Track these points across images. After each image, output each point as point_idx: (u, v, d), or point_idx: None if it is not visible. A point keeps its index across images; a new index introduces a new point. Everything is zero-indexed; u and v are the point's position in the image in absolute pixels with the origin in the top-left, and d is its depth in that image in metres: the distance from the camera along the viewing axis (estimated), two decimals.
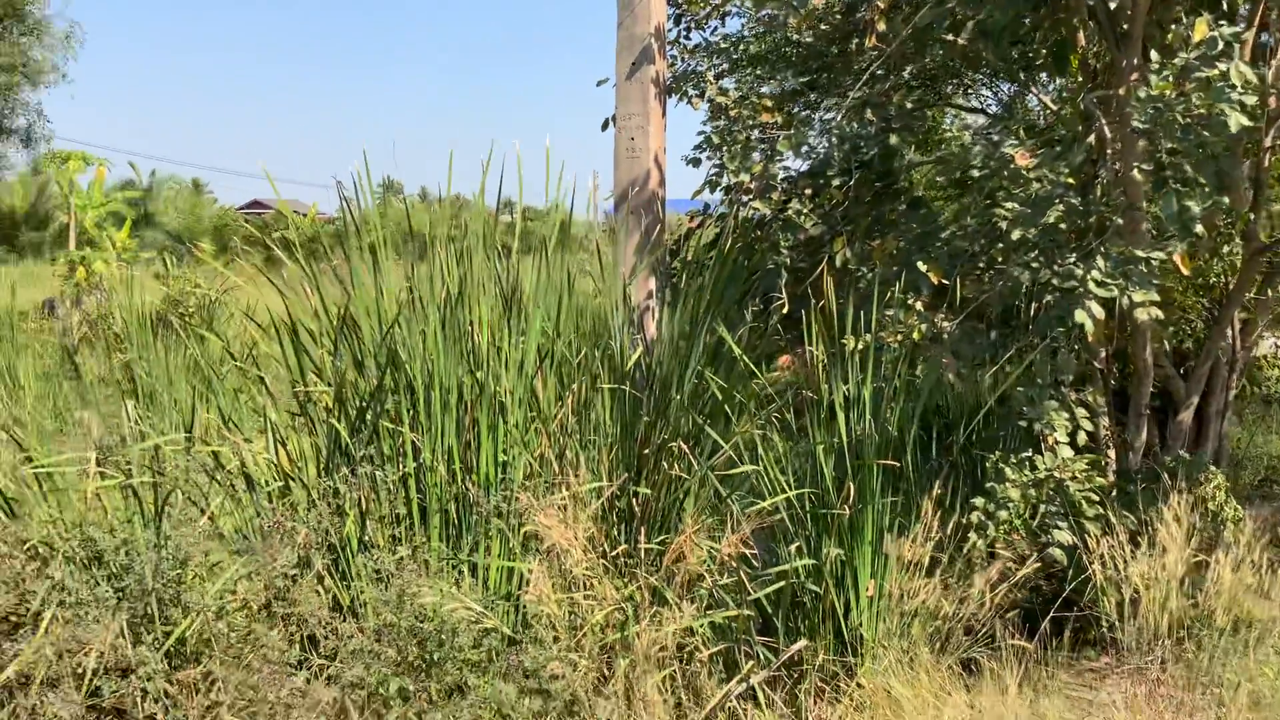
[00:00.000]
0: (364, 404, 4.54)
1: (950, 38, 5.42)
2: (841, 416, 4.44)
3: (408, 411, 4.52)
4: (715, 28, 6.80)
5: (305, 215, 24.53)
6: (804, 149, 5.89)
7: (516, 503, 4.07)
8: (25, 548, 4.17)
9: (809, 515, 4.41)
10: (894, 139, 5.32)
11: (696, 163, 6.11)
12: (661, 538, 4.31)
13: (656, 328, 5.79)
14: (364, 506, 4.33)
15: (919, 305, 4.52)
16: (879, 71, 5.38)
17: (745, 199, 5.72)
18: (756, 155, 5.60)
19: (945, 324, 4.64)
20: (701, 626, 4.07)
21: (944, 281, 4.82)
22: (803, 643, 4.20)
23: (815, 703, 4.08)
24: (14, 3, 12.51)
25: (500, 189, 6.28)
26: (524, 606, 3.86)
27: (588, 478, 4.21)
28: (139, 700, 3.76)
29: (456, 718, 3.49)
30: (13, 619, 3.98)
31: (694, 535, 3.99)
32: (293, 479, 4.44)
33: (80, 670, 3.73)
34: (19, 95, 13.41)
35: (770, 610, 4.30)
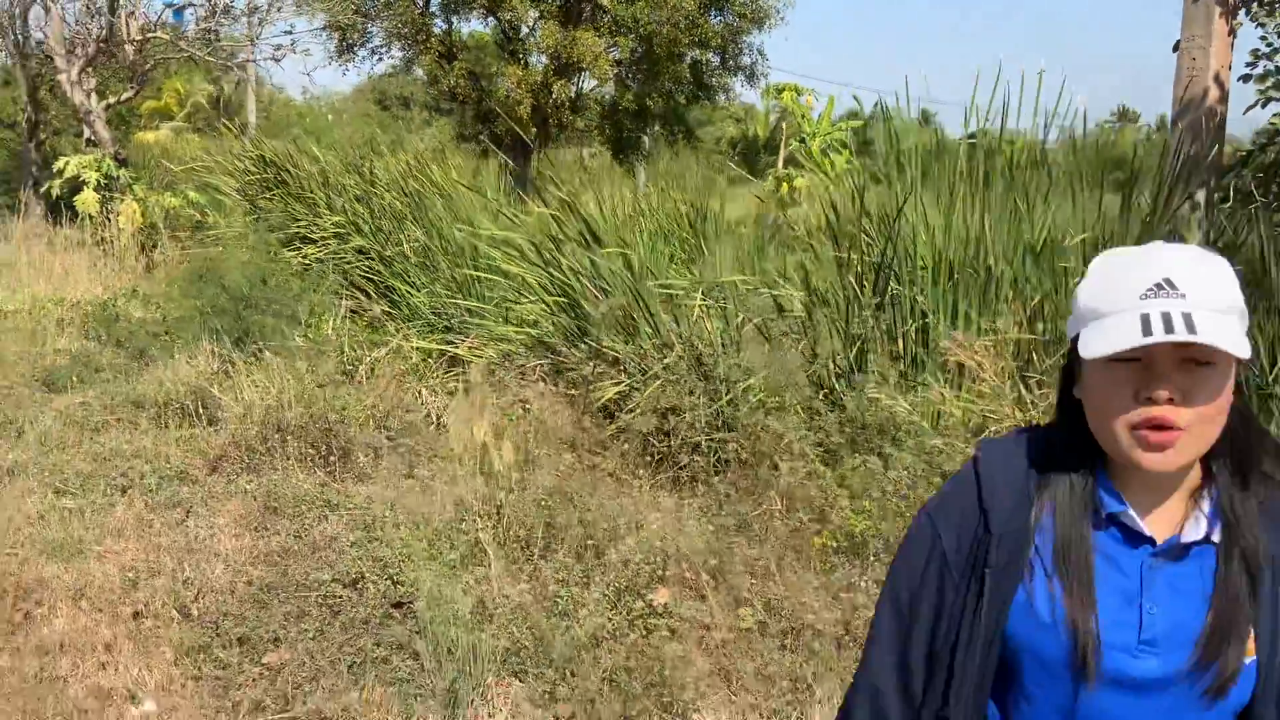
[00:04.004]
0: (877, 270, 6.44)
1: None
2: None
3: (909, 280, 6.33)
4: None
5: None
6: None
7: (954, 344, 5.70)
8: (653, 343, 6.85)
9: None
10: None
11: (1247, 79, 6.78)
12: None
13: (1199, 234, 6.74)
14: (864, 343, 6.27)
15: None
16: None
17: None
18: None
19: None
20: None
21: None
22: None
23: None
24: None
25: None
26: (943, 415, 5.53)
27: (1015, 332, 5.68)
28: (699, 441, 6.18)
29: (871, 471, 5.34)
30: (637, 387, 6.65)
31: None
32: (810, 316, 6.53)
33: (665, 415, 6.26)
34: (747, 38, 17.10)
35: None
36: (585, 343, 7.35)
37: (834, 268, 6.80)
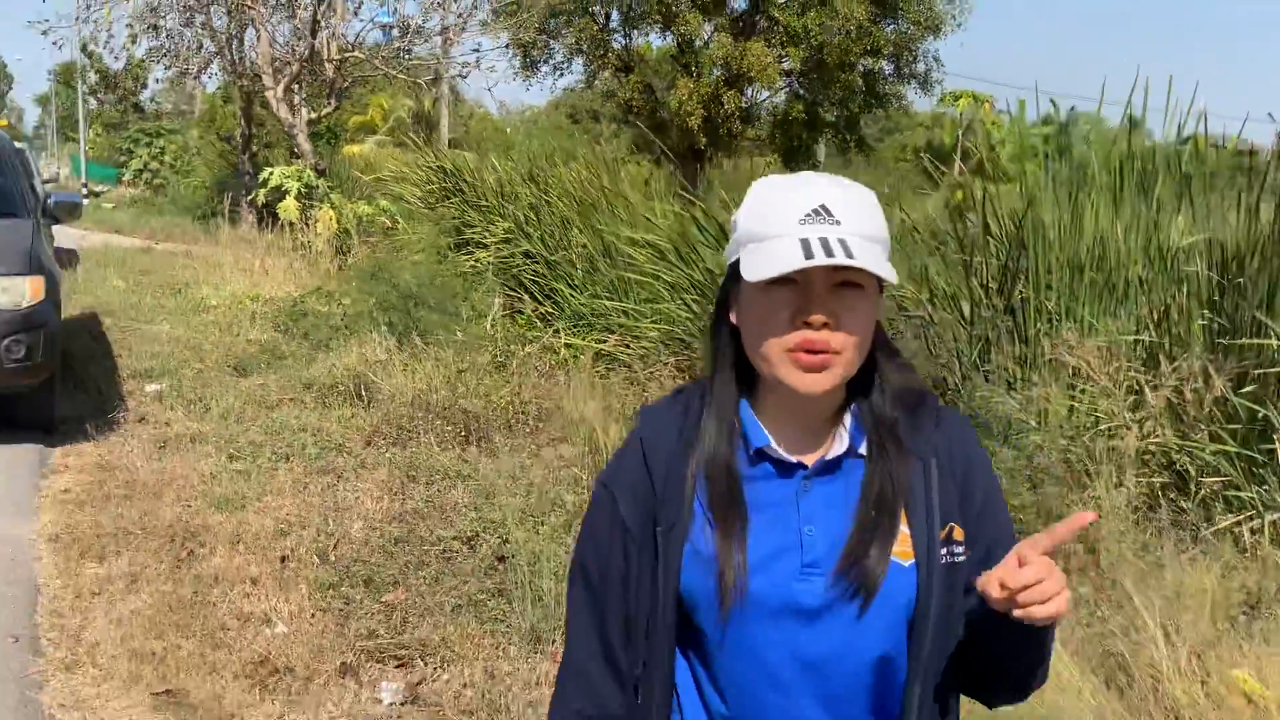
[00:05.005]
0: (1003, 272, 6.63)
1: None
2: None
3: (1037, 283, 6.52)
4: None
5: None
6: None
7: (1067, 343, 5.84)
8: None
9: None
10: None
11: None
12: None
13: None
14: (987, 343, 6.48)
15: None
16: None
17: None
18: None
19: None
20: (1212, 454, 5.38)
21: None
22: None
23: None
24: None
25: None
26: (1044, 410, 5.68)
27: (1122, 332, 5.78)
28: None
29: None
30: None
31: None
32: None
33: None
34: (922, 45, 17.13)
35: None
36: None
37: (961, 270, 7.00)
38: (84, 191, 31.00)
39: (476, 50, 17.17)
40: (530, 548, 4.60)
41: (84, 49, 30.65)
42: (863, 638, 1.38)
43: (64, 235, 14.64)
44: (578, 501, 5.08)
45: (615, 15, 18.04)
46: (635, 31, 18.22)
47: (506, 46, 17.32)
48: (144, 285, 13.22)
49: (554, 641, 3.99)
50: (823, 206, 1.32)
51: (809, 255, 1.28)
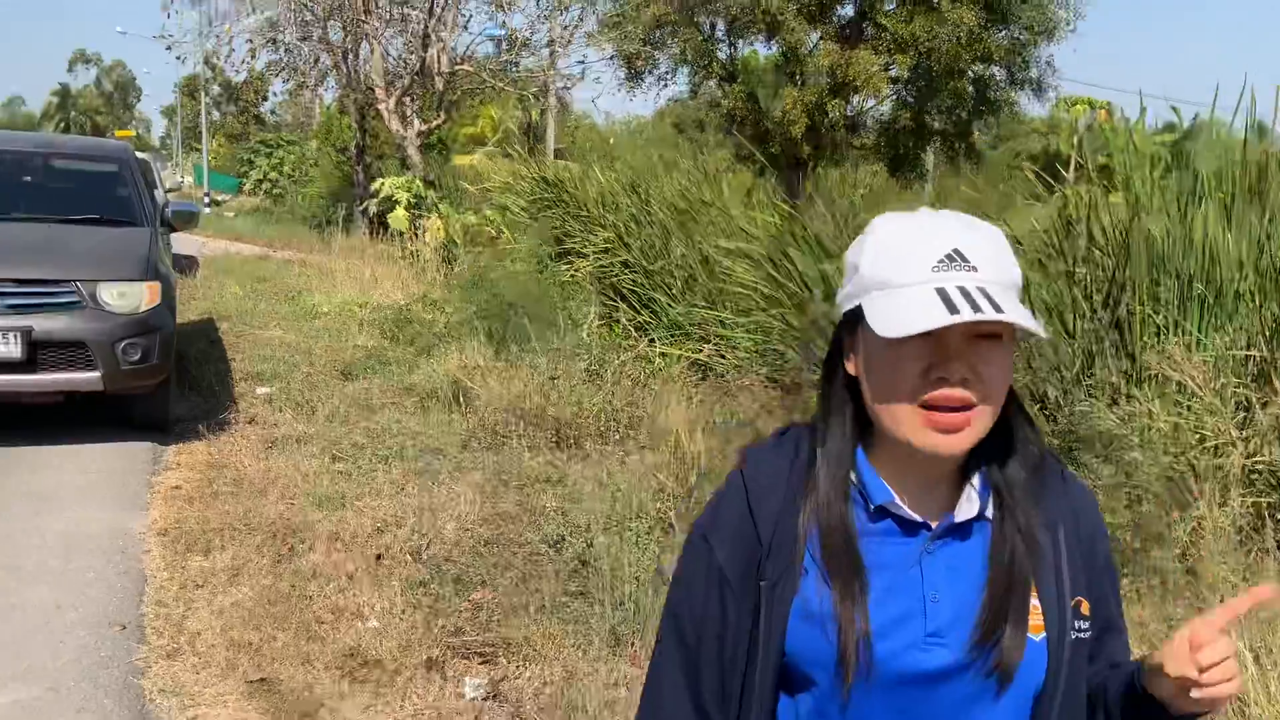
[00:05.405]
0: (1110, 284, 6.52)
1: None
2: None
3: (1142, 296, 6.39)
4: None
5: None
6: None
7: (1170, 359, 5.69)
8: None
9: None
10: None
11: None
12: None
13: None
14: (1089, 357, 6.37)
15: None
16: None
17: None
18: None
19: None
20: None
21: None
22: None
23: None
24: None
25: None
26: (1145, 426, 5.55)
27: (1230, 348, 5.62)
28: None
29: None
30: None
31: None
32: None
33: None
34: (1035, 50, 16.79)
35: None
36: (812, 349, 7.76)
37: (1066, 281, 6.89)
38: (206, 200, 32.27)
39: (582, 62, 17.41)
40: (613, 552, 4.68)
41: (207, 62, 31.94)
42: (988, 713, 1.30)
43: (186, 242, 15.23)
44: (662, 509, 5.16)
45: (720, 25, 18.13)
46: (740, 41, 18.31)
47: (611, 58, 17.58)
48: (260, 292, 13.71)
49: (633, 645, 4.06)
50: (956, 251, 1.21)
51: (953, 309, 1.17)
